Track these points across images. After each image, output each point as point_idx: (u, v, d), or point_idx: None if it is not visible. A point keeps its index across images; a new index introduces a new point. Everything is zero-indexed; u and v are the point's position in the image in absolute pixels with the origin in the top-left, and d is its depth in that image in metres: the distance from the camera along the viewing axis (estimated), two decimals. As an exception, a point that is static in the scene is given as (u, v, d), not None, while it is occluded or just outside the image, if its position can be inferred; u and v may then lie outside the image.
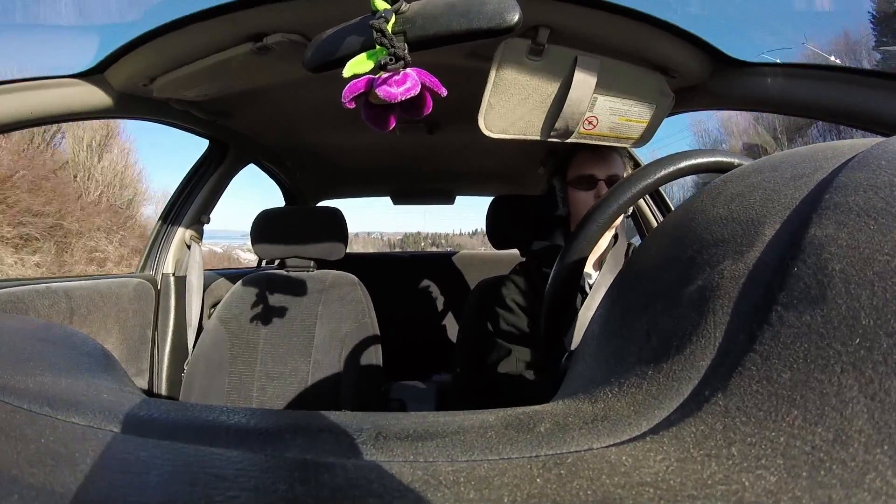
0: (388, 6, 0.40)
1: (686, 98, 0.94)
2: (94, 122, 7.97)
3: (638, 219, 1.44)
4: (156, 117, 1.12)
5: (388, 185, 2.22)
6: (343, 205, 2.28)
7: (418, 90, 0.40)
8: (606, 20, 0.76)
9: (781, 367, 0.17)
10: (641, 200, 1.37)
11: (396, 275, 2.21)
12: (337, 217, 1.28)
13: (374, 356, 1.17)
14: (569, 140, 0.88)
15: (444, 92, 0.42)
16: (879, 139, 0.24)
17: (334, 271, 1.29)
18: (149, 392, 1.22)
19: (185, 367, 1.22)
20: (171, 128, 1.21)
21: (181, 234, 1.34)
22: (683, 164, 0.41)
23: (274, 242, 1.28)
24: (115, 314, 1.14)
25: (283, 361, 1.16)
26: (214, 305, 1.35)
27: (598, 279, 0.80)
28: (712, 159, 0.42)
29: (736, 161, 0.41)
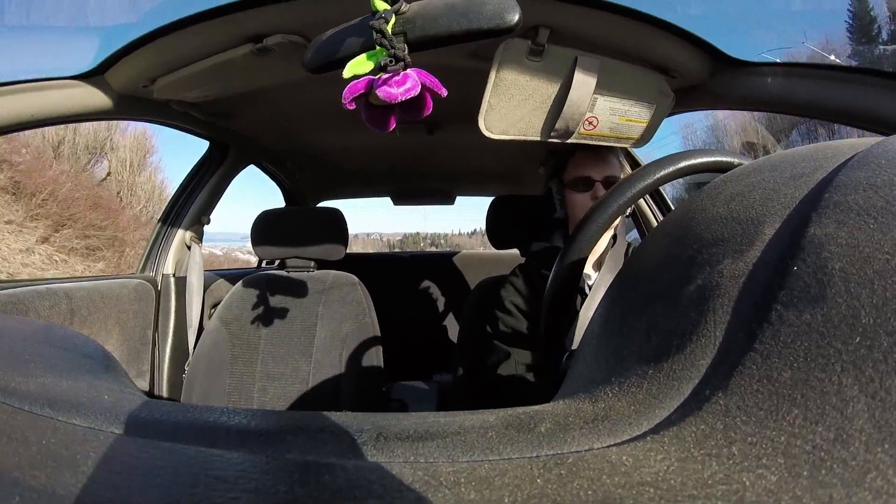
0: (388, 7, 0.40)
1: (686, 98, 0.94)
2: (130, 143, 9.19)
3: (638, 218, 1.44)
4: (156, 119, 1.12)
5: (388, 185, 2.22)
6: (342, 206, 2.29)
7: (418, 91, 0.40)
8: (606, 20, 0.76)
9: (782, 366, 0.17)
10: (641, 200, 1.37)
11: (397, 275, 2.21)
12: (337, 218, 1.28)
13: (374, 356, 1.17)
14: (569, 140, 0.88)
15: (444, 92, 0.42)
16: (879, 138, 0.24)
17: (335, 272, 1.29)
18: (150, 393, 1.22)
19: (186, 368, 1.22)
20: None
21: (181, 234, 1.34)
22: (682, 164, 0.42)
23: (274, 243, 1.28)
24: (115, 315, 1.14)
25: (283, 362, 1.16)
26: (215, 306, 1.35)
27: (597, 280, 0.80)
28: (711, 159, 0.42)
29: (735, 161, 0.41)
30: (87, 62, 0.91)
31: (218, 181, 1.40)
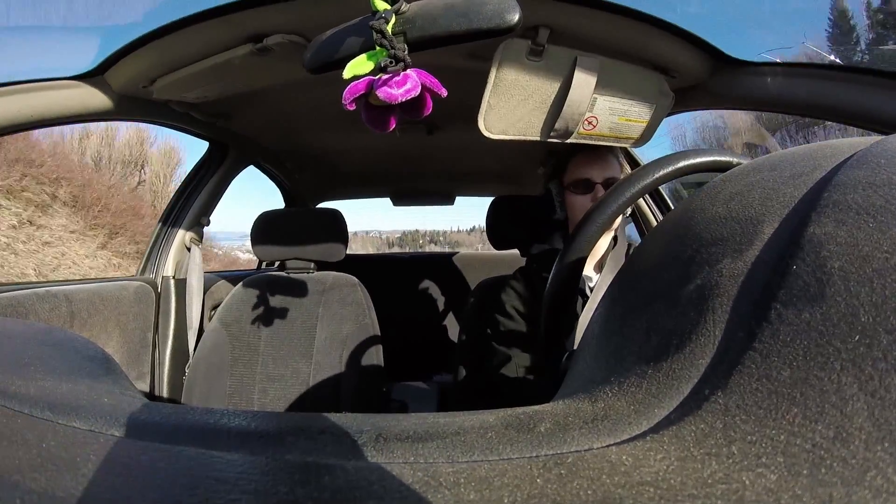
0: (387, 7, 0.40)
1: (686, 97, 0.94)
2: (159, 156, 9.83)
3: (638, 218, 1.44)
4: (156, 119, 1.12)
5: (388, 186, 2.22)
6: (341, 204, 2.29)
7: (418, 91, 0.40)
8: (606, 20, 0.76)
9: (781, 365, 0.17)
10: (641, 200, 1.37)
11: (397, 276, 2.21)
12: (337, 219, 1.28)
13: (375, 357, 1.17)
14: (569, 140, 0.88)
15: (444, 93, 0.42)
16: (878, 137, 0.24)
17: (334, 273, 1.29)
18: (150, 395, 1.22)
19: (186, 371, 1.22)
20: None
21: (181, 236, 1.34)
22: (681, 163, 0.41)
23: (274, 244, 1.28)
24: (115, 318, 1.14)
25: (284, 363, 1.16)
26: (215, 308, 1.35)
27: (598, 281, 0.80)
28: (711, 158, 0.42)
29: (734, 160, 0.41)
30: (87, 62, 0.91)
31: (217, 182, 1.40)
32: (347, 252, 1.30)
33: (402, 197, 2.35)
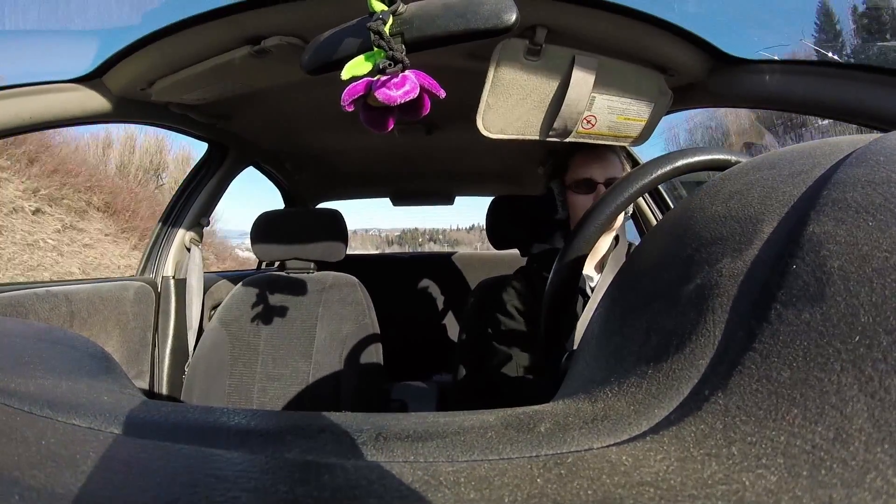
0: (385, 7, 0.40)
1: (684, 96, 0.94)
2: (175, 163, 10.11)
3: (638, 218, 1.44)
4: (155, 121, 1.12)
5: (387, 186, 2.22)
6: (340, 202, 2.29)
7: (417, 93, 0.40)
8: (604, 19, 0.76)
9: (781, 366, 0.17)
10: (640, 199, 1.37)
11: (396, 275, 2.21)
12: (337, 219, 1.28)
13: (374, 357, 1.17)
14: (568, 139, 0.88)
15: (442, 93, 0.42)
16: (877, 135, 0.24)
17: (334, 272, 1.29)
18: (149, 394, 1.22)
19: (186, 370, 1.22)
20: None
21: (181, 236, 1.34)
22: (681, 162, 0.41)
23: (274, 244, 1.28)
24: (115, 317, 1.14)
25: (283, 363, 1.16)
26: (215, 307, 1.35)
27: (599, 281, 0.80)
28: (710, 157, 0.42)
29: (734, 159, 0.41)
30: (86, 65, 0.91)
31: (217, 183, 1.40)
32: (347, 251, 1.30)
33: (402, 197, 2.35)
